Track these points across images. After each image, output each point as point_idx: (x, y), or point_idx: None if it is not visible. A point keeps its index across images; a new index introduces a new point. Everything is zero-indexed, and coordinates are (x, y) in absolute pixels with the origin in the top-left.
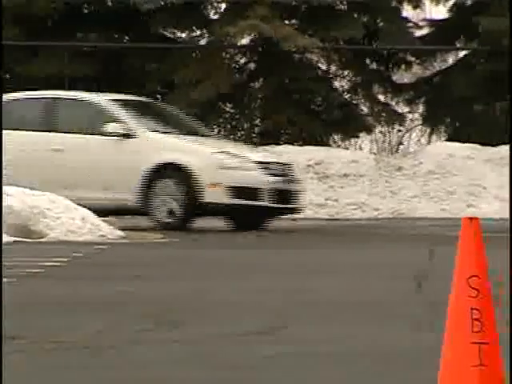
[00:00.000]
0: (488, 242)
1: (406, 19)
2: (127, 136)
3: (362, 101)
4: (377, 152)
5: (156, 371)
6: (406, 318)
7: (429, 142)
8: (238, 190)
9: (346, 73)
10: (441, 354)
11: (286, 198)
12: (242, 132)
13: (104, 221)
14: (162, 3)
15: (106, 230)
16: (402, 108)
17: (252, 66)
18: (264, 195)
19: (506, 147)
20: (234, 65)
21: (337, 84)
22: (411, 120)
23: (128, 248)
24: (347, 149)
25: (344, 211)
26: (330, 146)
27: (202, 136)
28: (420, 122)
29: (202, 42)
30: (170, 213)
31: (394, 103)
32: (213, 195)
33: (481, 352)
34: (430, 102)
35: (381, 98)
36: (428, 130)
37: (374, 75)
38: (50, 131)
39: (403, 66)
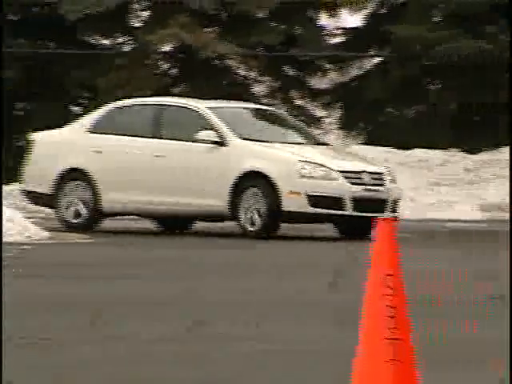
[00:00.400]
0: (402, 242)
1: (322, 27)
2: (220, 143)
3: (280, 105)
4: None
5: (88, 369)
6: (328, 316)
7: (345, 145)
8: (319, 199)
9: (264, 78)
10: (357, 350)
11: (374, 206)
12: None
13: (32, 222)
14: (88, 12)
15: (33, 231)
16: (319, 112)
17: (174, 71)
18: (347, 204)
19: (420, 150)
20: (156, 70)
21: (256, 89)
22: (328, 123)
23: (54, 248)
24: None
25: None
26: None
27: (300, 143)
28: (337, 126)
29: (126, 48)
30: (253, 220)
31: (311, 107)
32: (293, 203)
33: (394, 348)
34: (346, 106)
35: (298, 102)
36: (344, 134)
37: (291, 81)
38: (155, 137)
39: (320, 72)
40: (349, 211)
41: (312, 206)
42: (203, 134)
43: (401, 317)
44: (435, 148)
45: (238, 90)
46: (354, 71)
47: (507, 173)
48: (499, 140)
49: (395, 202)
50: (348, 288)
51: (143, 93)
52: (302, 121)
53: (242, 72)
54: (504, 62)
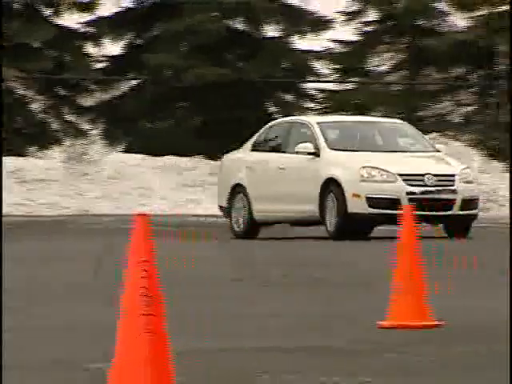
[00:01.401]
0: (156, 234)
1: (89, 55)
2: (316, 154)
3: (54, 120)
4: (66, 160)
5: None
6: (96, 298)
7: (108, 153)
8: (376, 200)
9: (40, 97)
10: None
11: (439, 205)
12: None
13: None
14: None
15: None
16: (87, 126)
17: None
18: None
19: (170, 157)
20: None
21: (34, 106)
22: (94, 135)
23: None
24: (42, 158)
25: (39, 210)
26: (28, 156)
27: (395, 151)
28: (101, 137)
29: None
30: (330, 222)
31: (80, 122)
32: (355, 205)
33: (149, 322)
34: (108, 120)
35: (69, 117)
36: (107, 143)
37: (63, 99)
38: (284, 151)
39: (87, 92)
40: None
41: (370, 207)
42: (301, 146)
43: (154, 295)
44: (183, 155)
45: (18, 108)
46: (115, 91)
47: None
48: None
49: (466, 200)
50: (110, 273)
51: None
52: (71, 133)
53: (22, 92)
54: (241, 83)
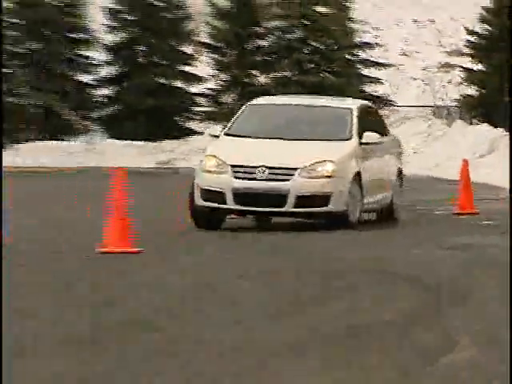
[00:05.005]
0: None
1: None
2: (217, 137)
3: None
4: None
5: None
6: None
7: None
8: (207, 193)
9: None
10: None
11: (268, 200)
12: None
13: None
14: None
15: None
16: None
17: None
18: (228, 198)
19: None
20: None
21: None
22: None
23: None
24: None
25: None
26: None
27: (278, 139)
28: None
29: None
30: None
31: None
32: (197, 197)
33: None
34: None
35: None
36: None
37: None
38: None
39: None
40: (230, 205)
41: (202, 199)
42: (210, 130)
43: None
44: None
45: None
46: None
47: None
48: None
49: (303, 197)
50: None
51: None
52: None
53: None
54: None
